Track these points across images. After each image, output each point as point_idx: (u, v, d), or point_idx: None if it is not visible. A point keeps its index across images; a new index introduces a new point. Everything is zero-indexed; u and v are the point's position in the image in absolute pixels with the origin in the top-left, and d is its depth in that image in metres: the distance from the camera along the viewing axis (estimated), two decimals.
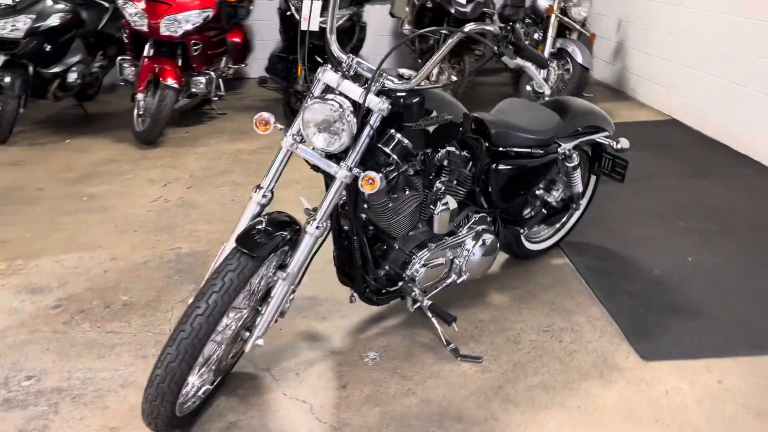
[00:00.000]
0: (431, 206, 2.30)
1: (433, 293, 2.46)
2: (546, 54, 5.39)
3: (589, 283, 2.98)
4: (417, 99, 2.05)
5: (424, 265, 2.33)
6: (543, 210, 2.99)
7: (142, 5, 4.83)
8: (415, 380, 2.33)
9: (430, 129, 2.13)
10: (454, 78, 5.27)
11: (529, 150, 2.63)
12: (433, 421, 2.13)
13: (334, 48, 2.04)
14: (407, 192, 2.20)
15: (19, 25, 4.78)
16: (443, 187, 2.30)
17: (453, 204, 2.32)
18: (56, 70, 5.17)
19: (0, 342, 2.50)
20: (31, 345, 2.49)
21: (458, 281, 2.54)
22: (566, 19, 5.41)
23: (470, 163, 2.45)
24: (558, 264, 3.18)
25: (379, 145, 2.02)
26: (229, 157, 4.69)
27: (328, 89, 2.02)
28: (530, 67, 2.06)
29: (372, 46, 6.20)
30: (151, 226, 3.53)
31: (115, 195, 3.97)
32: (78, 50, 5.32)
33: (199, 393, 2.08)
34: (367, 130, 1.96)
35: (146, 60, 4.87)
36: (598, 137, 2.90)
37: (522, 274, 3.07)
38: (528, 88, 5.59)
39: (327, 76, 2.00)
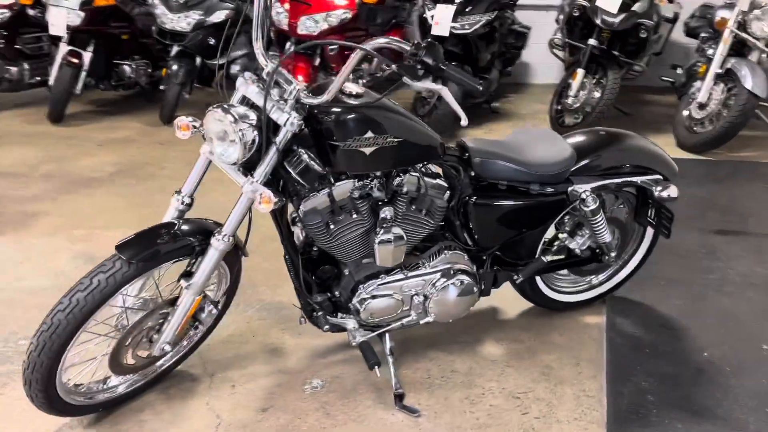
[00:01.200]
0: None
1: (387, 329, 2.26)
2: (711, 74, 4.58)
3: (609, 352, 2.49)
4: (337, 116, 1.91)
5: (372, 297, 2.15)
6: (560, 257, 2.57)
7: (287, 6, 5.14)
8: (335, 420, 2.18)
9: (367, 151, 1.94)
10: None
11: (524, 186, 2.27)
12: None
13: (259, 55, 1.96)
14: (353, 216, 2.05)
15: (189, 20, 5.40)
16: (389, 215, 2.09)
17: (398, 236, 2.09)
18: (222, 61, 5.74)
19: (31, 298, 2.83)
20: None
21: (421, 322, 2.30)
22: (744, 35, 4.51)
23: (447, 194, 2.19)
24: (588, 322, 2.71)
25: (284, 163, 1.91)
26: None
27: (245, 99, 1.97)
28: (445, 91, 1.75)
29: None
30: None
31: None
32: (242, 45, 5.84)
33: (112, 386, 2.17)
34: (274, 146, 1.87)
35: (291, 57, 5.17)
36: (641, 180, 2.39)
37: (536, 327, 2.68)
38: (685, 113, 4.81)
39: (243, 85, 1.95)
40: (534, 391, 2.30)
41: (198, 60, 5.67)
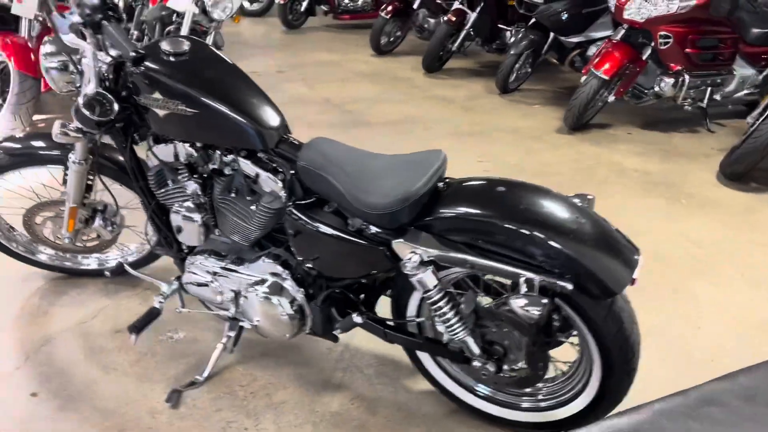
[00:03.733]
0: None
1: (209, 312, 2.09)
2: None
3: None
4: (127, 69, 1.80)
5: (193, 272, 2.02)
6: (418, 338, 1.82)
7: None
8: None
9: (160, 113, 1.85)
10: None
11: (347, 217, 1.73)
12: None
13: None
14: (174, 181, 1.96)
15: None
16: (190, 190, 1.92)
17: (188, 214, 1.92)
18: (577, 40, 5.29)
19: None
20: None
21: (242, 324, 2.06)
22: None
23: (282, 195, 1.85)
24: None
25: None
26: None
27: None
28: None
29: None
30: None
31: None
32: (604, 26, 5.21)
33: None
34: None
35: (610, 43, 4.43)
36: (541, 280, 1.48)
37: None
38: None
39: None
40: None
41: (551, 35, 5.38)
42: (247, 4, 9.91)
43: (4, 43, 3.84)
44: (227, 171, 1.86)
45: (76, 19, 1.58)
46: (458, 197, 1.61)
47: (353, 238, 1.70)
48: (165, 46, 1.77)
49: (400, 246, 1.62)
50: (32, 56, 3.87)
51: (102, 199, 2.28)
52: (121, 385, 2.00)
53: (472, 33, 6.15)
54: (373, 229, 1.68)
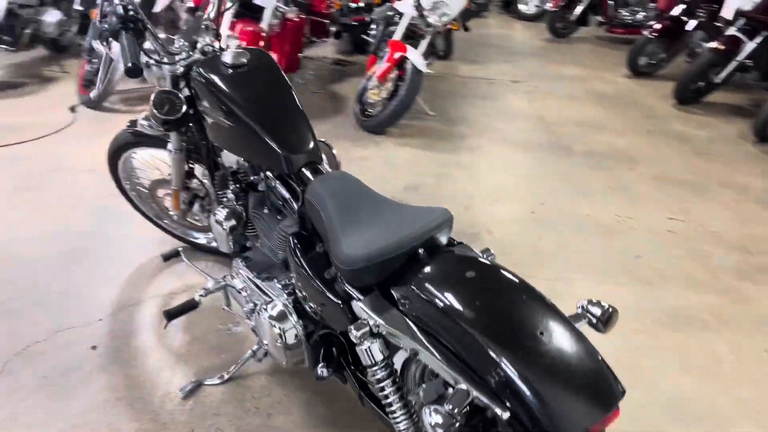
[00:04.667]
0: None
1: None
2: None
3: None
4: (192, 72, 1.91)
5: (232, 275, 2.05)
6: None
7: None
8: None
9: (208, 120, 1.90)
10: None
11: (326, 260, 1.61)
12: None
13: None
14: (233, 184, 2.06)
15: None
16: (228, 197, 2.01)
17: (221, 219, 1.97)
18: None
19: None
20: None
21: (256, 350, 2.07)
22: None
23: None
24: None
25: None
26: None
27: None
28: None
29: None
30: None
31: None
32: None
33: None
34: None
35: None
36: (476, 397, 1.23)
37: None
38: None
39: None
40: None
41: None
42: (523, 8, 9.74)
43: (242, 29, 4.35)
44: (260, 187, 1.86)
45: (102, 27, 1.71)
46: (430, 273, 1.37)
47: (321, 287, 1.58)
48: (224, 57, 1.82)
49: (357, 307, 1.45)
50: (262, 44, 4.32)
51: (204, 187, 2.46)
52: (161, 361, 2.17)
53: (748, 64, 5.20)
54: (344, 281, 1.53)
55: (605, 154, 4.26)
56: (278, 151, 1.70)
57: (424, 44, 4.42)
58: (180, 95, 1.91)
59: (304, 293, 1.69)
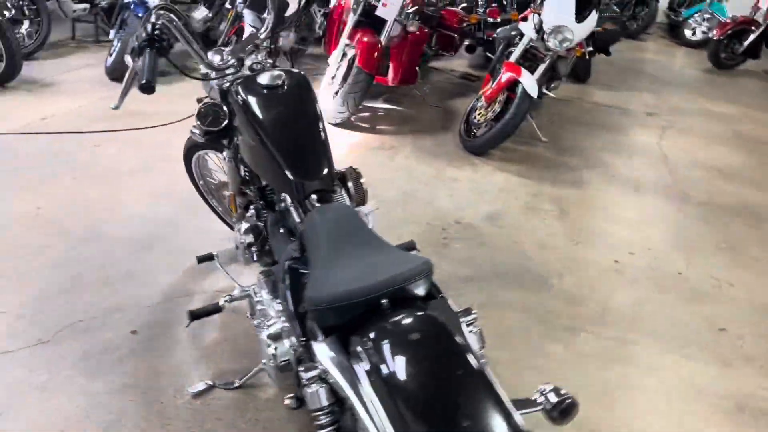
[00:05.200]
0: None
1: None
2: None
3: None
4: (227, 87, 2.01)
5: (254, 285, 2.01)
6: None
7: None
8: None
9: (240, 136, 1.98)
10: None
11: None
12: None
13: None
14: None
15: None
16: (251, 213, 2.09)
17: (243, 230, 2.06)
18: None
19: None
20: None
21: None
22: None
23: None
24: None
25: None
26: None
27: None
28: None
29: None
30: None
31: None
32: None
33: None
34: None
35: None
36: None
37: None
38: None
39: None
40: None
41: None
42: (688, 33, 9.00)
43: (360, 39, 4.43)
44: (278, 207, 1.88)
45: (132, 43, 1.80)
46: (381, 327, 1.30)
47: (294, 319, 1.56)
48: (260, 77, 1.86)
49: (315, 348, 1.42)
50: (375, 55, 4.38)
51: None
52: (187, 356, 2.26)
53: None
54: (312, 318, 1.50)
55: (728, 207, 3.82)
56: (289, 176, 1.71)
57: (541, 69, 4.23)
58: (225, 109, 1.98)
59: (285, 323, 1.68)
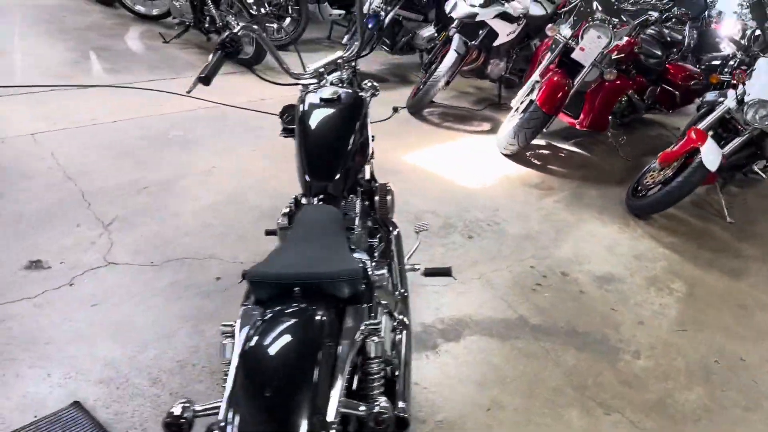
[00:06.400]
0: None
1: None
2: None
3: None
4: None
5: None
6: None
7: None
8: None
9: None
10: None
11: None
12: None
13: None
14: None
15: None
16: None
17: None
18: None
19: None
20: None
21: None
22: None
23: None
24: None
25: None
26: None
27: None
28: None
29: None
30: None
31: None
32: None
33: None
34: None
35: None
36: None
37: None
38: None
39: None
40: None
41: None
42: None
43: (549, 78, 4.44)
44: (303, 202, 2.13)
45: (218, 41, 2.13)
46: (272, 311, 1.49)
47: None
48: (322, 91, 2.14)
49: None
50: (558, 96, 4.37)
51: None
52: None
53: None
54: None
55: None
56: (306, 177, 1.98)
57: (736, 142, 3.81)
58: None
59: None
